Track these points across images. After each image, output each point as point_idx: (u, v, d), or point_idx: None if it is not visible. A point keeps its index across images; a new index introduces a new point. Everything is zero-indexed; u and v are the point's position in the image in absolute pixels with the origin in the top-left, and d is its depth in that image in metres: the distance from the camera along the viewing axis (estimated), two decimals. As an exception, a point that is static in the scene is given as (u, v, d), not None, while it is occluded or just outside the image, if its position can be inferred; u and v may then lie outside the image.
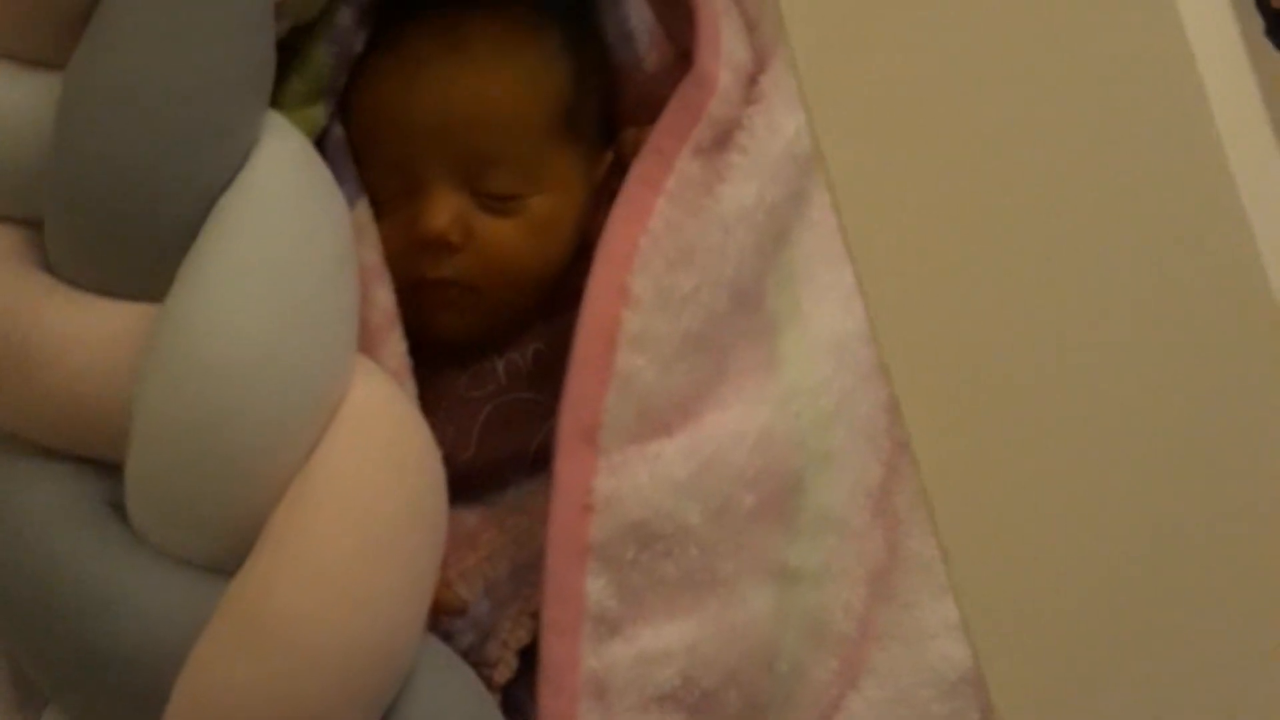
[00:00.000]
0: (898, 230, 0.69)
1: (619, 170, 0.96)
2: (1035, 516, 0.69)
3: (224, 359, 0.79)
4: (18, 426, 0.84)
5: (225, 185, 0.82)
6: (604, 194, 0.97)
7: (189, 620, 0.79)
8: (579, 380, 0.89)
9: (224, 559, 0.80)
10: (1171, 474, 0.69)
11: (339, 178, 0.88)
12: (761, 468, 0.90)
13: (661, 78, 0.99)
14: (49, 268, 0.84)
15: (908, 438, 0.70)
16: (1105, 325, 0.68)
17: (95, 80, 0.82)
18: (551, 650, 0.88)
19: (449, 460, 0.86)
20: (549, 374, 0.93)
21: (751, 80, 0.96)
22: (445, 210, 0.94)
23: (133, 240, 0.82)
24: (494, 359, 0.98)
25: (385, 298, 0.92)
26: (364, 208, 0.94)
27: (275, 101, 0.86)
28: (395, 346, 0.92)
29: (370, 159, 0.95)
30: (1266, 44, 1.06)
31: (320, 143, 0.92)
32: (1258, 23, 1.07)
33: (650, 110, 0.96)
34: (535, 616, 0.91)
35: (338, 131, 0.95)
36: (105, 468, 0.83)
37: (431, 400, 0.93)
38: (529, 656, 0.92)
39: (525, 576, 0.95)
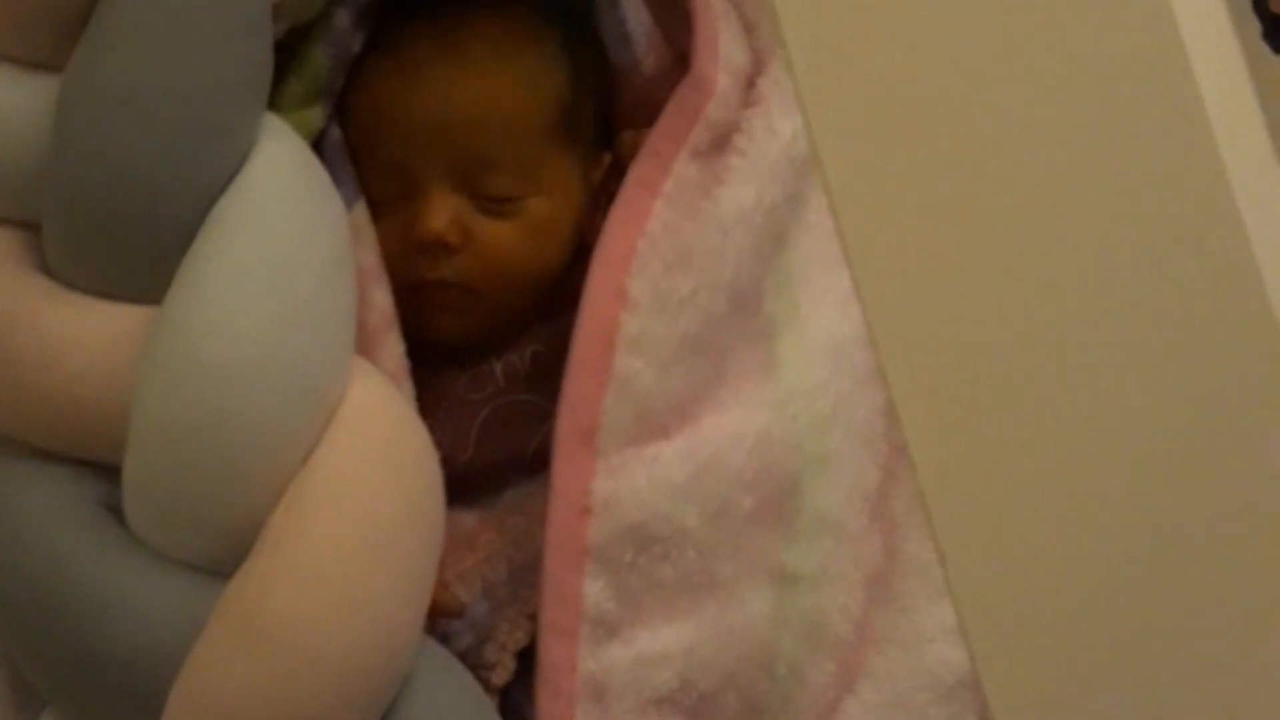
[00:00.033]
0: (895, 233, 0.69)
1: (617, 173, 0.96)
2: (1032, 520, 0.69)
3: (222, 361, 0.79)
4: (15, 429, 0.84)
5: (223, 187, 0.82)
6: (602, 196, 0.97)
7: (187, 622, 0.79)
8: (577, 382, 0.89)
9: (222, 561, 0.80)
10: (1169, 475, 0.69)
11: (336, 179, 0.88)
12: (759, 470, 0.90)
13: (659, 80, 0.99)
14: (47, 270, 0.84)
15: (905, 441, 0.70)
16: (1102, 328, 0.68)
17: (93, 82, 0.82)
18: (549, 652, 0.88)
19: (447, 462, 0.86)
20: (547, 376, 0.93)
21: (749, 83, 0.96)
22: (443, 212, 0.94)
23: (131, 242, 0.82)
24: (492, 361, 0.98)
25: (383, 299, 0.92)
26: (361, 209, 0.94)
27: (273, 103, 0.86)
28: (393, 348, 0.92)
29: (368, 161, 0.95)
30: (1263, 47, 1.07)
31: (318, 144, 0.93)
32: (1255, 26, 1.07)
33: (648, 113, 0.96)
34: (533, 618, 0.91)
35: (335, 133, 0.95)
36: (103, 470, 0.83)
37: (429, 402, 0.93)
38: (527, 658, 0.92)
39: (523, 578, 0.95)
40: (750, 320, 0.93)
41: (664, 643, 0.88)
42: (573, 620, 0.88)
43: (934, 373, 0.69)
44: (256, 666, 0.78)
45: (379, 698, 0.80)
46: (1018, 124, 0.68)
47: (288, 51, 0.91)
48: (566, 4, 1.00)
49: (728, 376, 0.92)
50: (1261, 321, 0.64)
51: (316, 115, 0.93)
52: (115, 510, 0.83)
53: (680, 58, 0.98)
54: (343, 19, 0.94)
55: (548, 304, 0.97)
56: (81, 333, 0.82)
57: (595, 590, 0.88)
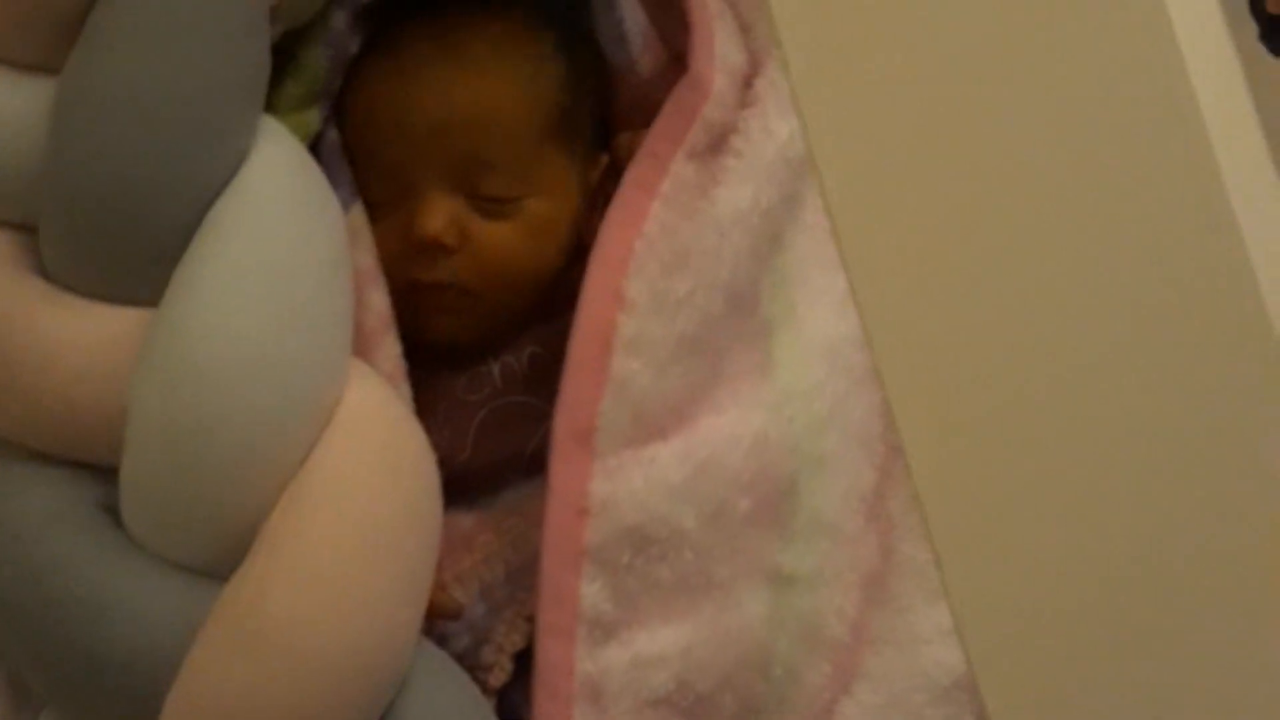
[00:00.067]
0: (890, 235, 0.69)
1: (614, 174, 0.96)
2: (1028, 521, 0.69)
3: (219, 363, 0.79)
4: (12, 431, 0.84)
5: (220, 190, 0.82)
6: (599, 197, 0.97)
7: (184, 625, 0.79)
8: (574, 384, 0.89)
9: (219, 563, 0.80)
10: (1164, 476, 0.69)
11: (333, 181, 0.88)
12: (756, 472, 0.90)
13: (656, 81, 0.99)
14: (44, 272, 0.84)
15: (901, 442, 0.70)
16: (1098, 329, 0.68)
17: (90, 84, 0.82)
18: (546, 654, 0.88)
19: (444, 463, 0.86)
20: (545, 377, 0.93)
21: (746, 83, 0.96)
22: (440, 213, 0.94)
23: (128, 245, 0.82)
24: (489, 362, 0.98)
25: (380, 301, 0.92)
26: (359, 211, 0.94)
27: (270, 105, 0.86)
28: (390, 350, 0.92)
29: (365, 162, 0.95)
30: (1260, 49, 1.07)
31: (315, 146, 0.93)
32: (1252, 28, 1.07)
33: (645, 114, 0.96)
34: (531, 620, 0.92)
35: (332, 135, 0.95)
36: (100, 472, 0.83)
37: (427, 403, 0.93)
38: (524, 660, 0.92)
39: (521, 580, 0.95)
40: (747, 321, 0.93)
41: (661, 644, 0.88)
42: (570, 621, 0.88)
43: (929, 374, 0.69)
44: (254, 668, 0.78)
45: (376, 699, 0.81)
46: (1014, 125, 0.68)
47: (285, 54, 0.91)
48: (563, 5, 1.00)
49: (724, 377, 0.92)
50: (1256, 324, 0.64)
51: (314, 117, 0.93)
52: (112, 512, 0.83)
53: (677, 58, 0.98)
54: (340, 21, 0.94)
55: (545, 305, 0.97)
56: (78, 335, 0.82)
57: (592, 592, 0.88)
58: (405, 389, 0.92)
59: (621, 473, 0.89)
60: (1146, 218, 0.67)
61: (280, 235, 0.82)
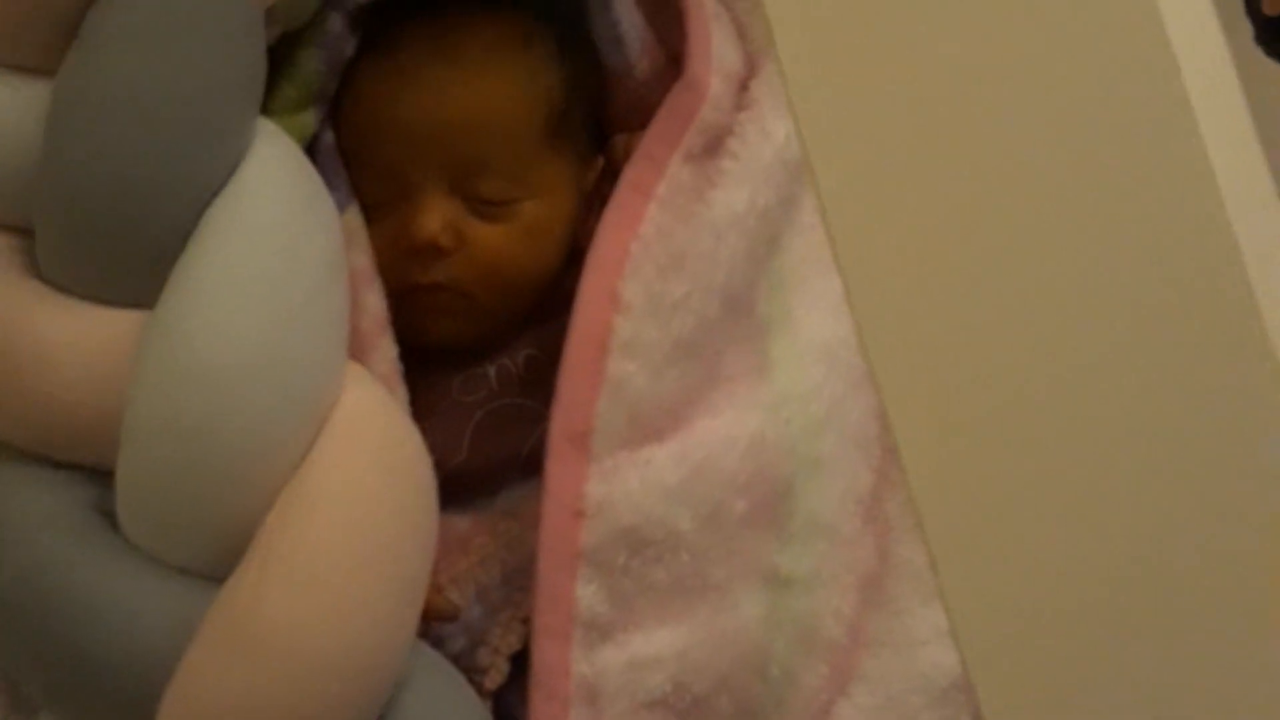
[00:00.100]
0: (885, 238, 0.69)
1: (610, 176, 0.96)
2: (1024, 524, 0.69)
3: (215, 365, 0.79)
4: (7, 433, 0.84)
5: (216, 192, 0.82)
6: (595, 199, 0.97)
7: (180, 627, 0.79)
8: (570, 386, 0.90)
9: (215, 565, 0.80)
10: (1161, 478, 0.69)
11: (330, 183, 0.88)
12: (752, 474, 0.90)
13: (653, 83, 0.98)
14: (40, 275, 0.84)
15: (896, 445, 0.70)
16: (1092, 331, 0.68)
17: (86, 86, 0.82)
18: (543, 656, 0.88)
19: (440, 465, 0.86)
20: (541, 379, 0.93)
21: (743, 86, 0.96)
22: (436, 215, 0.94)
23: (124, 247, 0.82)
24: (485, 364, 0.98)
25: (376, 303, 0.92)
26: (355, 213, 0.94)
27: (266, 108, 0.86)
28: (386, 351, 0.92)
29: (361, 164, 0.95)
30: (1256, 51, 1.06)
31: (311, 149, 0.92)
32: (1247, 30, 1.07)
33: (641, 116, 0.96)
34: (526, 622, 0.92)
35: (328, 137, 0.95)
36: (96, 474, 0.83)
37: (423, 405, 0.93)
38: (520, 662, 0.92)
39: (517, 582, 0.95)
40: (743, 323, 0.93)
41: (657, 646, 0.88)
42: (566, 623, 0.88)
43: (924, 377, 0.69)
44: (250, 671, 0.78)
45: (372, 702, 0.80)
46: (1008, 125, 0.68)
47: (281, 56, 0.91)
48: (559, 7, 0.99)
49: (721, 380, 0.92)
50: (1250, 325, 0.64)
51: (310, 120, 0.93)
52: (108, 514, 0.83)
53: (673, 60, 0.98)
54: (335, 23, 0.94)
55: (541, 307, 0.97)
56: (75, 337, 0.82)
57: (588, 594, 0.88)
58: (401, 391, 0.92)
59: (617, 474, 0.89)
60: (1140, 219, 0.67)
61: (276, 237, 0.82)
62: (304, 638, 0.78)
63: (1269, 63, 1.07)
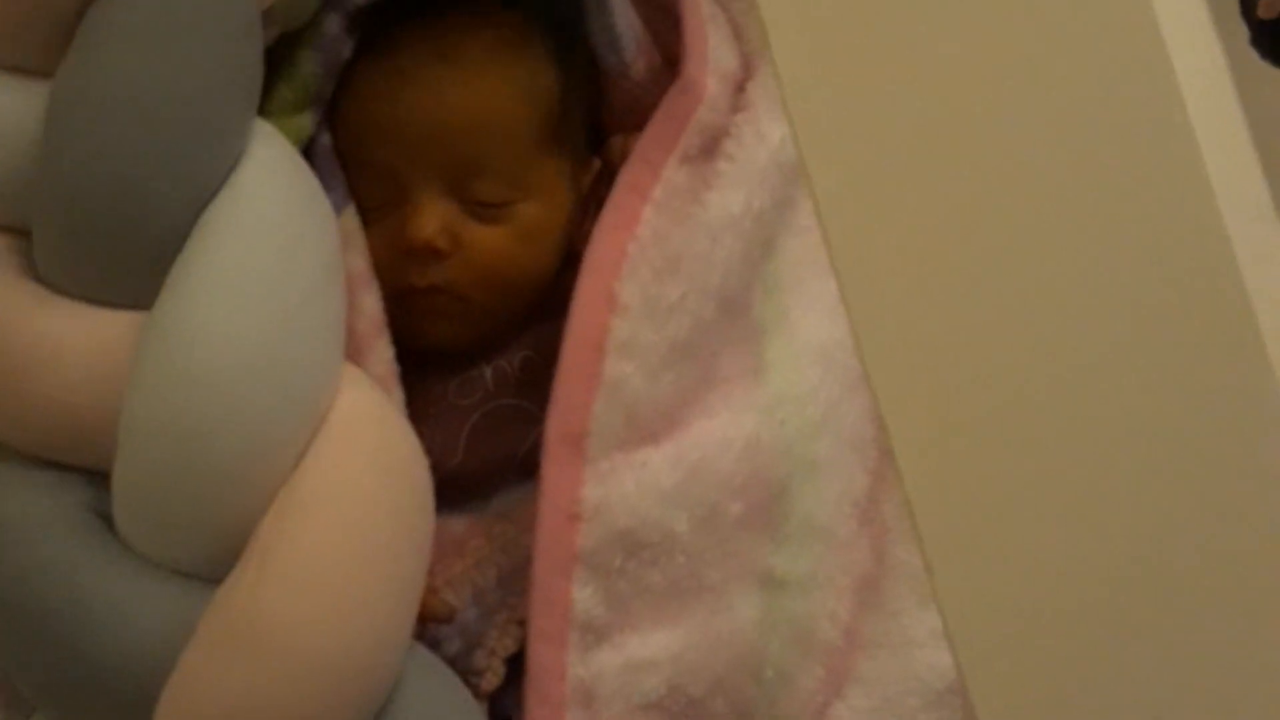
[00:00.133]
0: (880, 240, 0.69)
1: (607, 178, 0.96)
2: (1019, 526, 0.69)
3: (211, 367, 0.79)
4: (5, 435, 0.84)
5: (213, 193, 0.82)
6: (592, 201, 0.98)
7: (176, 629, 0.79)
8: (566, 387, 0.90)
9: (212, 567, 0.81)
10: (1156, 480, 0.69)
11: (326, 185, 0.88)
12: (748, 475, 0.90)
13: (649, 85, 0.98)
14: (37, 276, 0.84)
15: (891, 447, 0.70)
16: (1088, 334, 0.68)
17: (85, 87, 0.82)
18: (538, 658, 0.88)
19: (436, 467, 0.86)
20: (537, 381, 0.93)
21: (739, 88, 0.96)
22: (433, 218, 0.94)
23: (121, 248, 0.82)
24: (482, 366, 0.98)
25: (372, 305, 0.92)
26: (351, 215, 0.94)
27: (263, 110, 0.86)
28: (382, 353, 0.92)
29: (358, 166, 0.95)
30: (1251, 53, 1.06)
31: (308, 150, 0.93)
32: (1243, 32, 1.07)
33: (638, 118, 0.96)
34: (522, 624, 0.91)
35: (325, 139, 0.95)
36: (93, 476, 0.83)
37: (419, 407, 0.93)
38: (516, 664, 0.92)
39: (512, 584, 0.95)
40: (739, 325, 0.93)
41: (653, 648, 0.88)
42: (562, 626, 0.88)
43: (919, 380, 0.69)
44: (246, 672, 0.78)
45: (368, 703, 0.81)
46: (1004, 130, 0.68)
47: (278, 58, 0.91)
48: (556, 9, 1.00)
49: (716, 382, 0.92)
50: (1245, 329, 0.64)
51: (307, 121, 0.93)
52: (104, 516, 0.83)
53: (670, 62, 0.98)
54: (333, 25, 0.94)
55: (538, 309, 0.97)
56: (72, 338, 0.82)
57: (584, 596, 0.88)
58: (398, 393, 0.92)
59: (613, 476, 0.89)
60: (1135, 222, 0.67)
61: (273, 239, 0.82)
62: (300, 639, 0.78)
63: (1264, 65, 1.07)
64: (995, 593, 0.69)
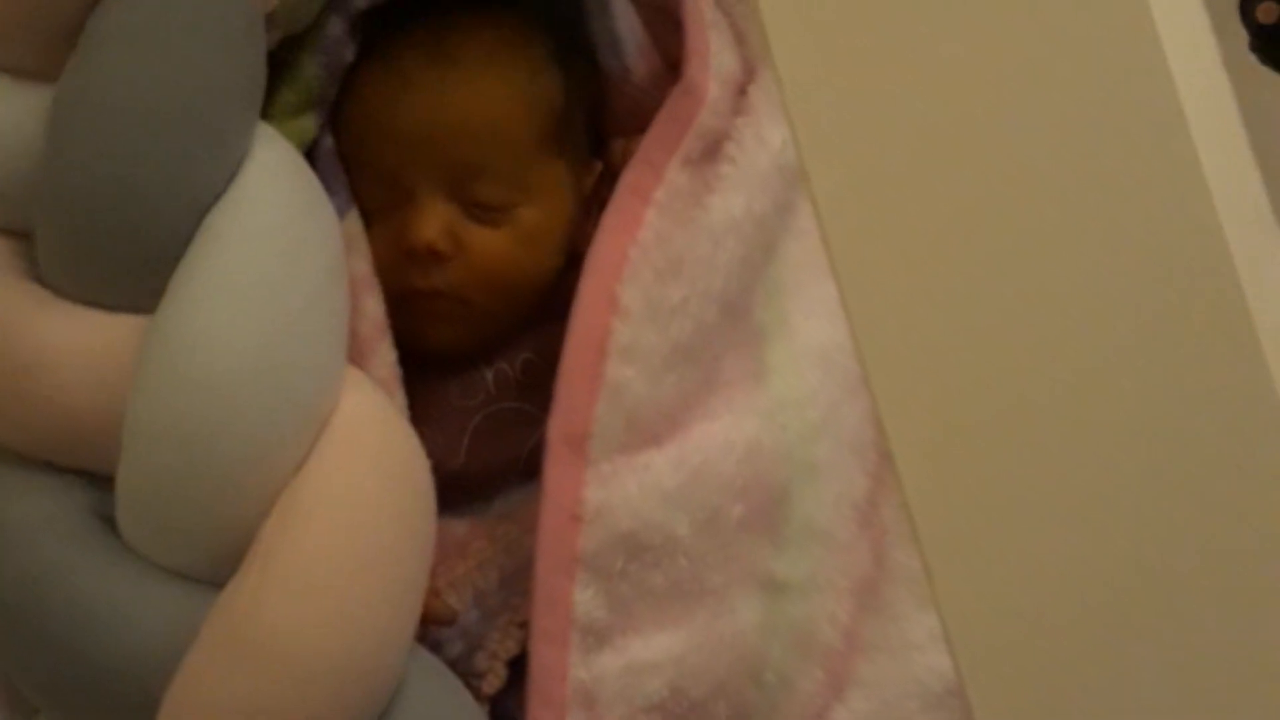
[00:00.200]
0: (880, 244, 0.69)
1: (608, 180, 0.96)
2: (1018, 530, 0.69)
3: (214, 371, 0.79)
4: (7, 438, 0.84)
5: (216, 197, 0.82)
6: (593, 204, 0.98)
7: (179, 632, 0.79)
8: (568, 390, 0.90)
9: (214, 571, 0.81)
10: (1156, 485, 0.69)
11: (329, 188, 0.88)
12: (749, 479, 0.90)
13: (650, 88, 0.99)
14: (40, 279, 0.85)
15: (890, 451, 0.70)
16: (1087, 338, 0.68)
17: (87, 90, 0.82)
18: (540, 660, 0.88)
19: (438, 470, 0.86)
20: (539, 384, 0.94)
21: (740, 91, 0.96)
22: (435, 221, 0.94)
23: (124, 252, 0.82)
24: (483, 369, 0.98)
25: (375, 308, 0.92)
26: (354, 218, 0.94)
27: (266, 113, 0.87)
28: (385, 356, 0.92)
29: (361, 169, 0.95)
30: (1250, 58, 1.06)
31: (311, 153, 0.93)
32: (1242, 36, 1.06)
33: (639, 120, 0.96)
34: (524, 627, 0.92)
35: (328, 142, 0.95)
36: (95, 479, 0.83)
37: (421, 410, 0.93)
38: (518, 667, 0.92)
39: (514, 586, 0.95)
40: (740, 328, 0.93)
41: (654, 651, 0.88)
42: (563, 628, 0.88)
43: (919, 383, 0.69)
44: (249, 676, 0.78)
45: (370, 707, 0.81)
46: (1003, 134, 0.68)
47: (281, 61, 0.91)
48: (558, 12, 1.00)
49: (718, 385, 0.92)
50: (1244, 336, 0.64)
51: (309, 124, 0.93)
52: (107, 519, 0.83)
53: (671, 66, 0.98)
54: (335, 28, 0.94)
55: (539, 312, 0.97)
56: (74, 342, 0.82)
57: (586, 598, 0.88)
58: (400, 396, 0.92)
59: (615, 479, 0.89)
60: (1133, 226, 0.67)
61: (276, 242, 0.82)
62: (303, 642, 0.78)
63: (1264, 70, 1.07)
64: (994, 596, 0.69)
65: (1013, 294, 0.69)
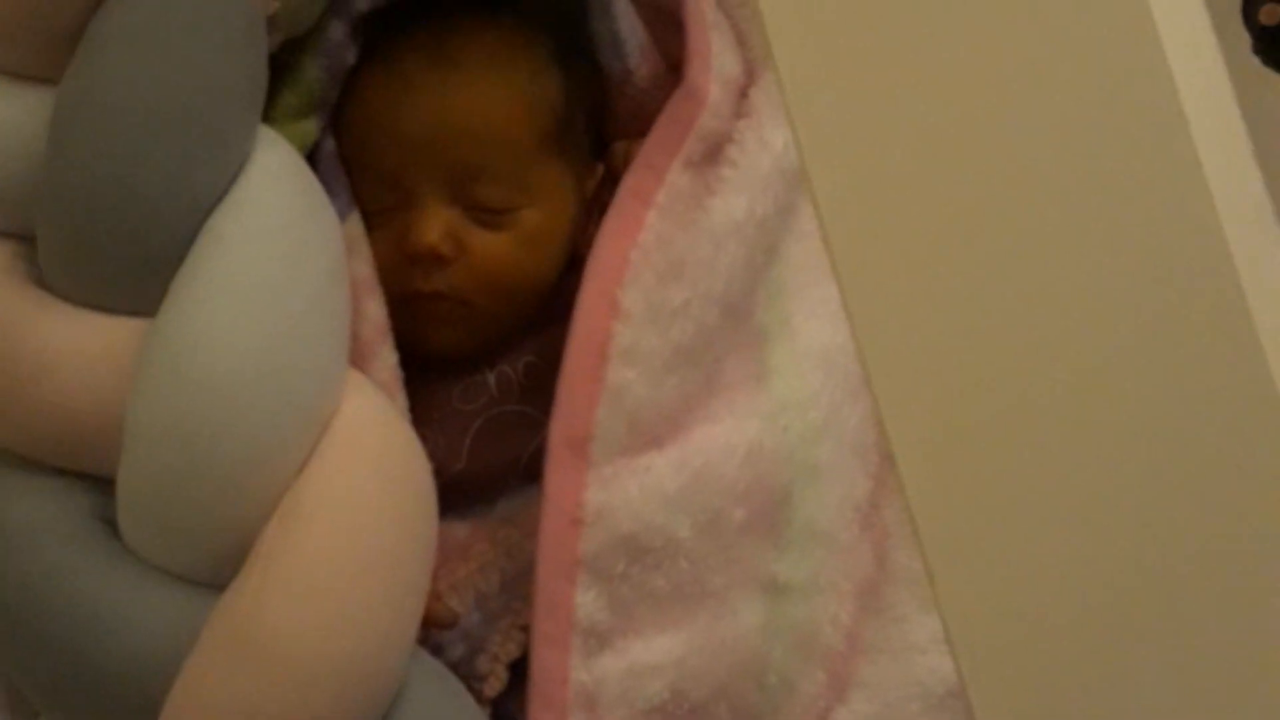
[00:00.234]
0: (882, 246, 0.69)
1: (610, 183, 0.96)
2: (1020, 532, 0.69)
3: (216, 374, 0.79)
4: (9, 441, 0.84)
5: (218, 200, 0.82)
6: (595, 207, 0.98)
7: (180, 635, 0.79)
8: (570, 393, 0.90)
9: (215, 574, 0.81)
10: (1157, 487, 0.69)
11: (331, 191, 0.88)
12: (751, 481, 0.90)
13: (652, 90, 0.99)
14: (41, 282, 0.85)
15: (892, 453, 0.70)
16: (1088, 339, 0.68)
17: (89, 93, 0.82)
18: (541, 663, 0.88)
19: (440, 472, 0.86)
20: (540, 386, 0.94)
21: (742, 93, 0.96)
22: (436, 223, 0.94)
23: (125, 254, 0.82)
24: (485, 371, 0.98)
25: (376, 311, 0.92)
26: (356, 221, 0.94)
27: (267, 116, 0.87)
28: (386, 359, 0.92)
29: (362, 172, 0.95)
30: (1253, 60, 1.06)
31: (312, 156, 0.93)
32: (1244, 39, 1.06)
33: (641, 123, 0.96)
34: (526, 629, 0.92)
35: (330, 145, 0.95)
36: (97, 482, 0.83)
37: (423, 413, 0.93)
38: (519, 669, 0.92)
39: (516, 589, 0.95)
40: (742, 331, 0.93)
41: (656, 653, 0.88)
42: (565, 631, 0.88)
43: (921, 386, 0.69)
44: (250, 678, 0.78)
45: (372, 709, 0.81)
46: (1004, 137, 0.68)
47: (282, 64, 0.91)
48: (559, 14, 1.00)
49: (719, 387, 0.92)
50: (1245, 337, 0.64)
51: (311, 127, 0.94)
52: (108, 522, 0.83)
53: (673, 68, 0.98)
54: (337, 31, 0.94)
55: (541, 314, 0.97)
56: (75, 344, 0.83)
57: (587, 601, 0.88)
58: (401, 399, 0.92)
59: (616, 482, 0.89)
60: (1134, 229, 0.67)
61: (278, 245, 0.82)
62: (304, 645, 0.78)
63: (1265, 72, 1.07)
64: (996, 597, 0.69)
65: (1014, 295, 0.69)
